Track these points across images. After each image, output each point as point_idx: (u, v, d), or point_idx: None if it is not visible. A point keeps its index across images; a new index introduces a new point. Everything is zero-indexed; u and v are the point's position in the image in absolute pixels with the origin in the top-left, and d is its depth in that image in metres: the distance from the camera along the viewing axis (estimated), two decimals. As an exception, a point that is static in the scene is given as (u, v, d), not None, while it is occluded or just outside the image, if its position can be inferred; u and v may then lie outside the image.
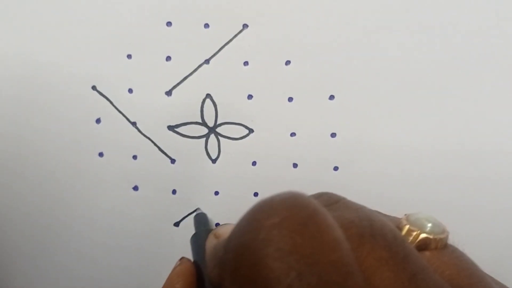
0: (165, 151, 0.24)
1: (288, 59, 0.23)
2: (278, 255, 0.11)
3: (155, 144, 0.24)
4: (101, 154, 0.24)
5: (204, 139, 0.24)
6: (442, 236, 0.12)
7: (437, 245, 0.12)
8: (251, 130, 0.23)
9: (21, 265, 0.25)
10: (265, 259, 0.11)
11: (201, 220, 0.23)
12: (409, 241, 0.12)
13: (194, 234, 0.21)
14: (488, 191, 0.24)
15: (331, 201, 0.13)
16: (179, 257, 0.24)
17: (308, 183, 0.23)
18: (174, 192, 0.24)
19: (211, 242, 0.17)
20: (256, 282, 0.11)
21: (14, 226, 0.24)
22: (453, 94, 0.23)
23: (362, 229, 0.12)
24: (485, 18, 0.22)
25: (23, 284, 0.26)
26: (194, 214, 0.24)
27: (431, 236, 0.12)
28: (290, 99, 0.23)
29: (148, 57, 0.23)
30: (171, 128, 0.23)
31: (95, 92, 0.23)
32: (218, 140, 0.24)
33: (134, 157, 0.24)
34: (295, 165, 0.24)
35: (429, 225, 0.12)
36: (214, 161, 0.24)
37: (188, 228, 0.24)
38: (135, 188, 0.24)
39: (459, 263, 0.12)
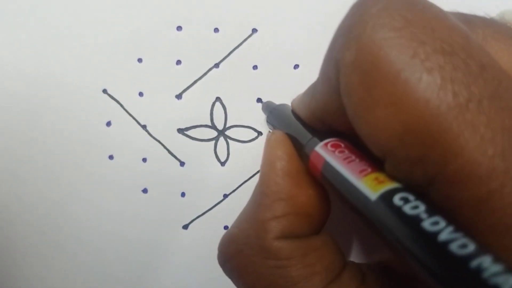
0: (175, 154, 0.24)
1: (297, 63, 0.23)
2: (393, 35, 0.10)
3: (164, 147, 0.24)
4: (111, 157, 0.24)
5: (213, 142, 0.24)
6: None
7: None
8: (259, 133, 0.24)
9: (29, 266, 0.25)
10: (380, 43, 0.10)
11: (269, 104, 0.22)
12: None
13: (270, 112, 0.20)
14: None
15: None
16: (188, 260, 0.25)
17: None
18: (183, 194, 0.24)
19: (295, 100, 0.17)
20: (379, 72, 0.10)
21: (23, 228, 0.25)
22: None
23: (466, 16, 0.12)
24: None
25: (29, 284, 0.26)
26: (262, 103, 0.23)
27: None
28: (299, 103, 0.23)
29: (158, 61, 0.23)
30: (180, 131, 0.24)
31: (106, 95, 0.23)
32: (227, 143, 0.24)
33: (144, 159, 0.24)
34: (303, 168, 0.24)
35: None
36: (223, 163, 0.24)
37: (197, 230, 0.24)
38: (145, 190, 0.24)
39: None
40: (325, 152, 0.14)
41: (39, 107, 0.23)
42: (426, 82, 0.10)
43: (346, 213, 0.17)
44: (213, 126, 0.24)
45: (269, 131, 0.18)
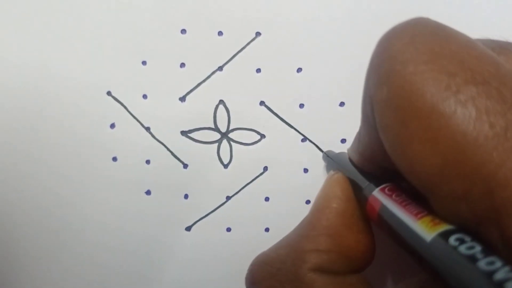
0: (178, 156, 0.24)
1: (300, 67, 0.23)
2: (422, 69, 0.10)
3: (168, 149, 0.24)
4: (114, 159, 0.24)
5: (217, 144, 0.24)
6: None
7: None
8: (262, 136, 0.24)
9: (32, 267, 0.25)
10: (411, 78, 0.10)
11: (329, 153, 0.23)
12: None
13: (330, 161, 0.21)
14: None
15: None
16: (191, 261, 0.25)
17: (319, 188, 0.24)
18: (186, 196, 0.24)
19: (349, 148, 0.18)
20: (413, 107, 0.10)
21: (26, 229, 0.25)
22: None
23: (499, 43, 0.12)
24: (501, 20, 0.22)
25: (32, 285, 0.26)
26: (323, 154, 0.24)
27: None
28: (301, 106, 0.24)
29: (162, 63, 0.23)
30: (184, 133, 0.24)
31: (110, 97, 0.24)
32: (230, 146, 0.24)
33: (147, 161, 0.24)
34: (305, 170, 0.24)
35: None
36: (226, 166, 0.24)
37: (200, 232, 0.24)
38: (148, 192, 0.24)
39: None
40: (383, 196, 0.14)
41: (43, 108, 0.24)
42: (461, 115, 0.10)
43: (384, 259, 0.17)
44: (216, 129, 0.24)
45: (331, 172, 0.18)
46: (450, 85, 0.10)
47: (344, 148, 0.23)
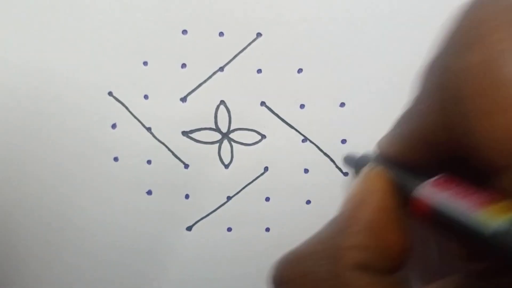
0: (179, 156, 0.24)
1: (300, 67, 0.23)
2: None
3: (169, 149, 0.24)
4: (116, 159, 0.24)
5: (218, 144, 0.24)
6: None
7: None
8: (263, 136, 0.24)
9: (33, 266, 0.25)
10: (507, 45, 0.10)
11: (351, 156, 0.21)
12: None
13: (357, 164, 0.20)
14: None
15: None
16: (192, 261, 0.25)
17: (319, 189, 0.24)
18: (187, 196, 0.24)
19: (382, 140, 0.17)
20: (502, 76, 0.10)
21: (28, 228, 0.25)
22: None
23: None
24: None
25: (34, 285, 0.26)
26: (343, 158, 0.22)
27: None
28: (302, 106, 0.24)
29: (163, 64, 0.23)
30: (185, 133, 0.24)
31: (111, 98, 0.24)
32: (231, 146, 0.24)
33: (149, 161, 0.24)
34: (306, 171, 0.24)
35: None
36: (227, 166, 0.24)
37: (201, 232, 0.24)
38: (149, 192, 0.24)
39: None
40: (436, 190, 0.13)
41: (44, 109, 0.24)
42: None
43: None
44: (217, 129, 0.24)
45: (367, 166, 0.17)
46: None
47: (345, 149, 0.24)
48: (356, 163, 0.20)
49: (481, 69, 0.10)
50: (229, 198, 0.24)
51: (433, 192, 0.13)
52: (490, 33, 0.10)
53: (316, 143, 0.24)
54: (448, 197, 0.13)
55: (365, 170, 0.16)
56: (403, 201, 0.15)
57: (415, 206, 0.14)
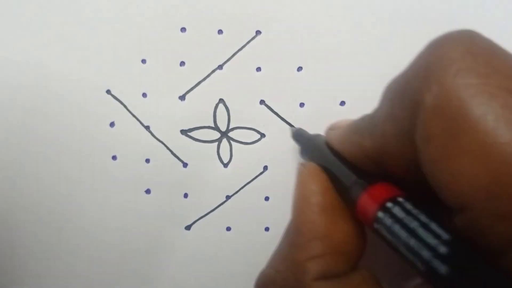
0: (178, 155, 0.24)
1: (300, 65, 0.23)
2: (480, 81, 0.10)
3: (167, 148, 0.24)
4: (114, 157, 0.24)
5: (216, 143, 0.24)
6: None
7: None
8: (262, 135, 0.24)
9: (31, 266, 0.25)
10: (468, 89, 0.10)
11: (300, 133, 0.21)
12: None
13: (304, 144, 0.20)
14: None
15: None
16: (191, 260, 0.25)
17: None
18: (185, 195, 0.24)
19: (333, 134, 0.17)
20: (467, 119, 0.10)
21: (26, 228, 0.25)
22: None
23: None
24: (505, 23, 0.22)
25: (33, 285, 0.26)
26: (292, 131, 0.22)
27: None
28: (302, 105, 0.23)
29: (162, 62, 0.23)
30: (184, 132, 0.24)
31: (109, 96, 0.24)
32: (230, 145, 0.24)
33: (147, 160, 0.24)
34: (306, 170, 0.24)
35: None
36: (226, 165, 0.24)
37: (200, 231, 0.24)
38: (147, 191, 0.24)
39: None
40: (373, 201, 0.13)
41: (43, 107, 0.23)
42: None
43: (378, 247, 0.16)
44: (216, 128, 0.24)
45: (300, 163, 0.17)
46: (509, 102, 0.10)
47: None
48: (303, 143, 0.20)
49: (448, 111, 0.10)
50: (228, 197, 0.24)
51: (371, 204, 0.13)
52: (452, 78, 0.10)
53: (316, 142, 0.24)
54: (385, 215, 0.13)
55: (301, 167, 0.16)
56: (349, 198, 0.15)
57: (359, 211, 0.14)
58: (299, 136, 0.21)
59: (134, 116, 0.24)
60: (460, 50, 0.11)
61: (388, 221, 0.12)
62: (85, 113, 0.24)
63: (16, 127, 0.24)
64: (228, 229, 0.24)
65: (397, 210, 0.12)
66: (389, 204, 0.13)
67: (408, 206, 0.12)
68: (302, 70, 0.23)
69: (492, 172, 0.10)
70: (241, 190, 0.24)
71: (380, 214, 0.13)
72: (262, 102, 0.23)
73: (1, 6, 0.23)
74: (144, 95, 0.24)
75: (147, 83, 0.23)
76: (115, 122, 0.24)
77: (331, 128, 0.18)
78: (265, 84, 0.23)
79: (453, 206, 0.11)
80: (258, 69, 0.23)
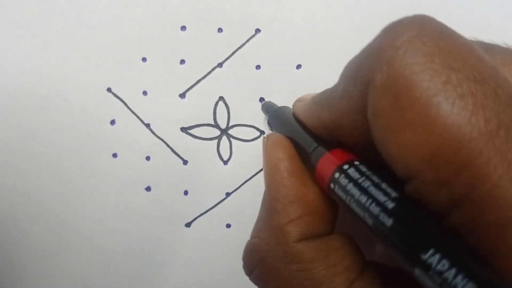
0: (178, 152, 0.24)
1: (299, 63, 0.23)
2: (426, 60, 0.11)
3: (168, 146, 0.24)
4: (115, 155, 0.24)
5: (216, 140, 0.24)
6: None
7: None
8: (262, 132, 0.24)
9: (32, 264, 0.25)
10: (413, 68, 0.11)
11: (269, 105, 0.22)
12: None
13: (272, 114, 0.21)
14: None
15: None
16: (191, 257, 0.25)
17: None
18: (186, 192, 0.24)
19: (298, 106, 0.17)
20: (412, 95, 0.11)
21: (26, 227, 0.25)
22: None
23: (485, 44, 0.12)
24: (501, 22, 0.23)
25: (33, 284, 0.26)
26: (262, 103, 0.23)
27: None
28: (301, 102, 0.24)
29: (162, 60, 0.23)
30: (184, 129, 0.24)
31: (110, 94, 0.24)
32: (230, 142, 0.24)
33: (147, 158, 0.24)
34: (305, 167, 0.24)
35: None
36: (225, 162, 0.24)
37: (200, 228, 0.24)
38: (148, 188, 0.24)
39: None
40: (330, 165, 0.14)
41: (44, 105, 0.24)
42: (459, 107, 0.10)
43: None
44: (216, 125, 0.24)
45: (264, 136, 0.18)
46: (452, 79, 0.11)
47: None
48: (271, 114, 0.21)
49: (395, 89, 0.11)
50: (228, 194, 0.24)
51: (328, 166, 0.14)
52: (400, 58, 0.11)
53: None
54: (340, 176, 0.13)
55: (265, 139, 0.17)
56: (310, 164, 0.15)
57: (317, 174, 0.15)
58: (268, 107, 0.22)
59: (134, 114, 0.24)
60: (410, 33, 0.12)
61: (343, 180, 0.13)
62: (86, 111, 0.24)
63: (17, 126, 0.24)
64: (228, 226, 0.24)
65: (351, 171, 0.13)
66: (345, 166, 0.14)
67: (363, 168, 0.13)
68: (301, 68, 0.23)
69: (433, 144, 0.10)
70: (241, 187, 0.24)
71: (337, 174, 0.14)
72: (261, 99, 0.24)
73: (4, 6, 0.23)
74: (145, 93, 0.24)
75: (148, 81, 0.24)
76: (116, 120, 0.24)
77: (298, 100, 0.19)
78: (264, 82, 0.23)
79: (402, 176, 0.12)
80: (258, 67, 0.23)
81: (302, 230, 0.14)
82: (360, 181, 0.13)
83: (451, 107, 0.10)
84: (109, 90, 0.24)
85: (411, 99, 0.11)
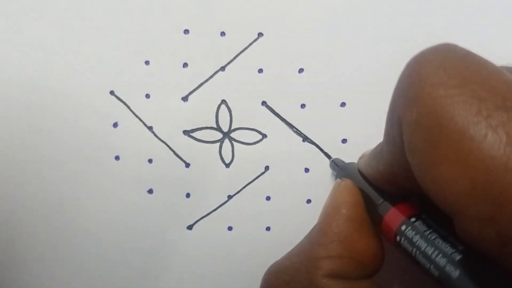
0: (180, 155, 0.24)
1: (301, 67, 0.23)
2: (453, 93, 0.11)
3: (170, 148, 0.24)
4: (117, 158, 0.24)
5: (219, 144, 0.24)
6: None
7: None
8: (264, 136, 0.24)
9: (35, 265, 0.25)
10: (442, 101, 0.11)
11: (337, 161, 0.23)
12: None
13: (339, 172, 0.22)
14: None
15: None
16: (192, 260, 0.25)
17: (319, 188, 0.24)
18: (188, 195, 0.24)
19: (361, 162, 0.18)
20: (443, 130, 0.11)
21: (29, 228, 0.25)
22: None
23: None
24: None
25: (34, 284, 0.26)
26: (330, 160, 0.24)
27: None
28: (303, 106, 0.24)
29: (165, 63, 0.23)
30: (186, 132, 0.24)
31: (113, 97, 0.24)
32: (232, 145, 0.24)
33: (150, 160, 0.24)
34: (306, 170, 0.24)
35: None
36: (227, 165, 0.24)
37: (201, 231, 0.25)
38: (150, 191, 0.24)
39: None
40: (397, 218, 0.15)
41: (47, 108, 0.24)
42: (491, 139, 0.10)
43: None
44: (219, 128, 0.24)
45: (339, 179, 0.19)
46: (481, 109, 0.10)
47: (345, 149, 0.24)
48: (340, 169, 0.22)
49: (426, 124, 0.11)
50: (230, 197, 0.25)
51: (395, 219, 0.15)
52: (432, 90, 0.11)
53: (317, 143, 0.24)
54: (409, 229, 0.14)
55: (336, 183, 0.18)
56: (376, 216, 0.16)
57: (383, 227, 0.15)
58: (337, 164, 0.23)
59: (137, 116, 0.24)
60: (434, 65, 0.11)
61: (409, 233, 0.14)
62: (88, 113, 0.24)
63: (20, 128, 0.24)
64: (230, 228, 0.25)
65: (419, 224, 0.14)
66: (412, 219, 0.14)
67: (429, 221, 0.14)
68: (303, 72, 0.23)
69: (469, 177, 0.10)
70: (243, 190, 0.24)
71: (403, 227, 0.14)
72: (263, 103, 0.24)
73: (5, 6, 0.23)
74: (147, 96, 0.24)
75: (150, 84, 0.24)
76: (119, 123, 0.24)
77: (360, 157, 0.19)
78: (266, 85, 0.24)
79: (446, 212, 0.11)
80: (260, 70, 0.23)
81: (336, 268, 0.14)
82: (427, 233, 0.13)
83: (484, 140, 0.10)
84: (112, 93, 0.24)
85: (443, 133, 0.11)
